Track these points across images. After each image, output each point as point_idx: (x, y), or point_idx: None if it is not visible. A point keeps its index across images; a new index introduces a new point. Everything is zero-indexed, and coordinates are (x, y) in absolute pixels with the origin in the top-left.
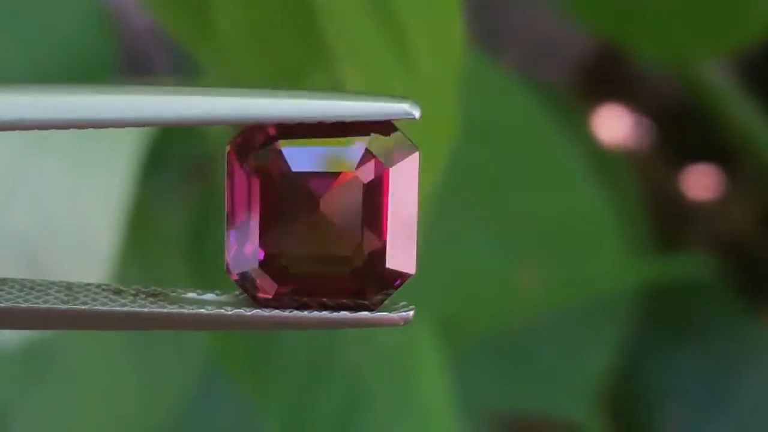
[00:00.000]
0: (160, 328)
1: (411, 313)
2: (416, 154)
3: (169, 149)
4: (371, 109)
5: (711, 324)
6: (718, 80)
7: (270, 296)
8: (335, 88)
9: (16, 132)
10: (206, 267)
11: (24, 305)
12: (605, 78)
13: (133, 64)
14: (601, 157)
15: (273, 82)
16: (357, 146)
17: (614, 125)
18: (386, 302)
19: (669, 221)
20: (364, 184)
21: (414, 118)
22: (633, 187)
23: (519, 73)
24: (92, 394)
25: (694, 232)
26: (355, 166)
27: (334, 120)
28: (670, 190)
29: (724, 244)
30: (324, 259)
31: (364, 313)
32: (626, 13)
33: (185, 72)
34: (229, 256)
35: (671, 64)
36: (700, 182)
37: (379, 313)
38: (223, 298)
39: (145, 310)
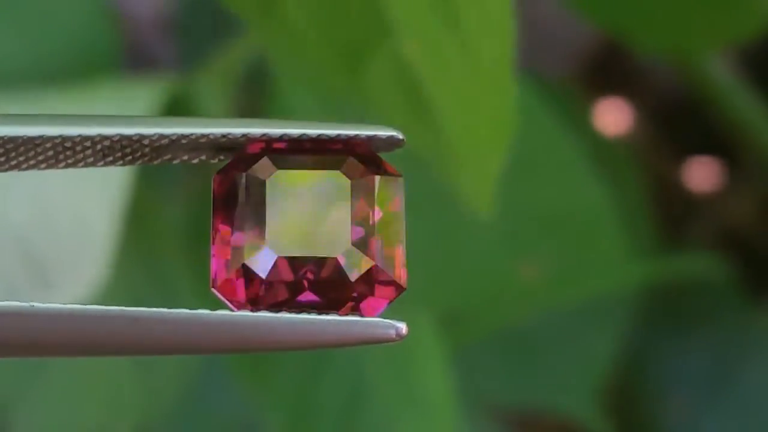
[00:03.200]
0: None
1: (404, 325)
2: (401, 180)
3: None
4: (356, 129)
5: (713, 317)
6: (720, 72)
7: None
8: (399, 66)
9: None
10: (206, 265)
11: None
12: (606, 70)
13: (137, 57)
14: (602, 149)
15: (336, 60)
16: (345, 171)
17: (615, 118)
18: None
19: (671, 214)
20: (353, 210)
21: (401, 141)
22: (634, 179)
23: (519, 66)
24: (90, 386)
25: (696, 224)
26: (345, 190)
27: (318, 135)
28: (672, 182)
29: (727, 237)
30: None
31: (354, 319)
32: (627, 4)
33: (188, 65)
34: (214, 270)
35: (672, 57)
36: (702, 175)
37: (370, 320)
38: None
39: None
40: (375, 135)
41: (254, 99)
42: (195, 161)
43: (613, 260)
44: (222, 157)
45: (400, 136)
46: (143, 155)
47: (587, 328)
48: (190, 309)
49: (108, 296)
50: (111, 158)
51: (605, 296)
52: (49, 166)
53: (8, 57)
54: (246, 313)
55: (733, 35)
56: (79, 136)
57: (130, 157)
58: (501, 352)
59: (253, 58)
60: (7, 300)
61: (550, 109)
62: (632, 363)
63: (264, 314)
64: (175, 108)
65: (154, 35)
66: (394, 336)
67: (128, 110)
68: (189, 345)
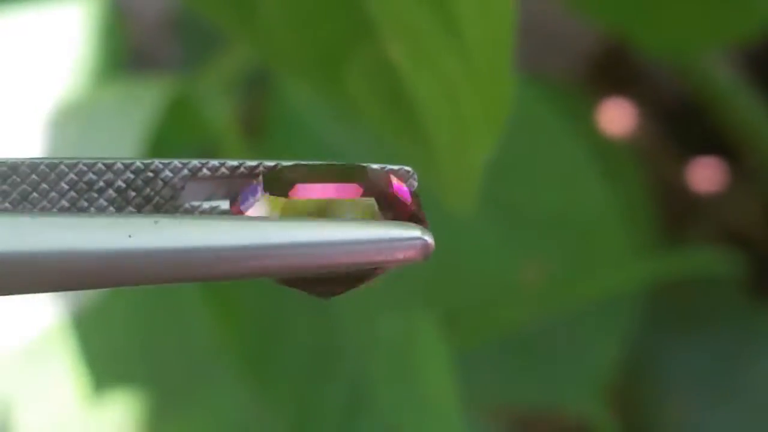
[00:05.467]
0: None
1: (430, 238)
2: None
3: (171, 148)
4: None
5: (718, 316)
6: (723, 73)
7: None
8: (380, 66)
9: (17, 132)
10: None
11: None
12: (610, 72)
13: (140, 58)
14: (606, 150)
15: (314, 63)
16: None
17: (619, 119)
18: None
19: (674, 215)
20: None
21: (412, 174)
22: (638, 180)
23: (524, 67)
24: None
25: (699, 225)
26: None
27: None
28: (676, 183)
29: (730, 237)
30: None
31: (378, 228)
32: (630, 5)
33: (191, 66)
34: None
35: (675, 56)
36: (706, 175)
37: (395, 223)
38: None
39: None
40: (385, 167)
41: (257, 100)
42: None
43: (616, 261)
44: None
45: (410, 170)
46: (162, 201)
47: (590, 328)
48: (198, 318)
49: (111, 302)
50: (129, 208)
51: (609, 297)
52: None
53: None
54: (270, 217)
55: (735, 35)
56: (98, 162)
57: (148, 207)
58: (504, 353)
59: (256, 59)
60: None
61: (553, 110)
62: (636, 363)
63: (286, 218)
64: (178, 109)
65: (158, 36)
66: (418, 247)
67: (132, 111)
68: (210, 249)
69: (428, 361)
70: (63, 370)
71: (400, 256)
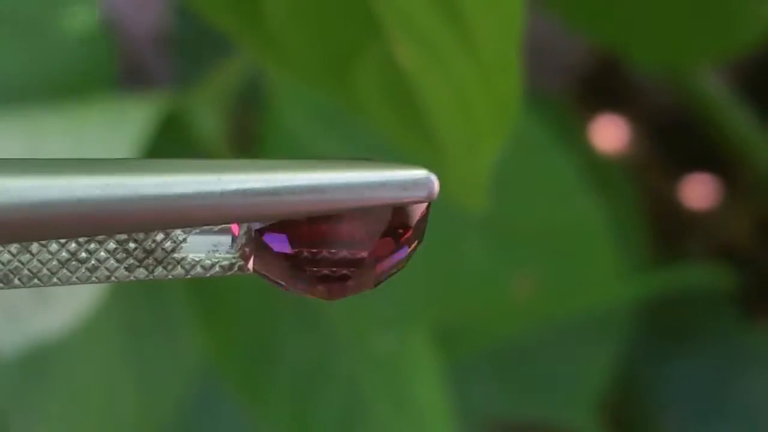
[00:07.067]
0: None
1: (436, 181)
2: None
3: (168, 150)
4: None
5: (709, 332)
6: (715, 89)
7: None
8: (389, 67)
9: (15, 137)
10: (203, 281)
11: None
12: (602, 87)
13: (132, 74)
14: (598, 166)
15: (321, 66)
16: None
17: (611, 135)
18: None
19: (666, 230)
20: None
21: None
22: (630, 196)
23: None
24: (90, 400)
25: (691, 241)
26: None
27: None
28: (668, 199)
29: (722, 253)
30: None
31: (385, 170)
32: (622, 19)
33: (184, 82)
34: None
35: (667, 71)
36: (698, 191)
37: (400, 169)
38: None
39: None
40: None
41: (249, 116)
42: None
43: (608, 276)
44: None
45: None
46: (164, 253)
47: (583, 342)
48: (191, 336)
49: (106, 312)
50: (129, 260)
51: (601, 312)
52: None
53: (4, 74)
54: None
55: (726, 49)
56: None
57: (149, 260)
58: (497, 366)
59: (248, 75)
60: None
61: (545, 125)
62: (629, 377)
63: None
64: (170, 126)
65: (150, 53)
66: (424, 185)
67: (123, 127)
68: (212, 194)
69: (421, 375)
70: (57, 385)
71: (407, 194)
